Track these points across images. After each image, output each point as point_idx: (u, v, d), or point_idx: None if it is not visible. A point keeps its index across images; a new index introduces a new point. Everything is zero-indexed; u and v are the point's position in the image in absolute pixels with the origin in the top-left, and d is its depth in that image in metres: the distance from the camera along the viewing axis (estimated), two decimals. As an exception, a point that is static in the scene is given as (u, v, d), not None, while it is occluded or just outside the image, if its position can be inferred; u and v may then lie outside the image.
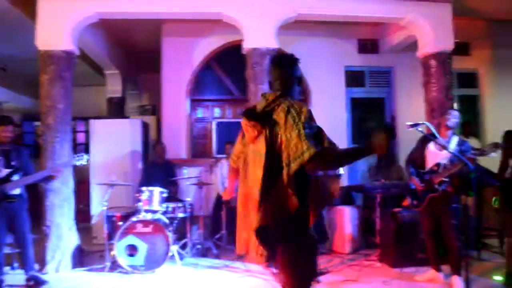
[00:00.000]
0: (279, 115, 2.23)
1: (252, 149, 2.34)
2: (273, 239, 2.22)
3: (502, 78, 7.98)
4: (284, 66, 2.45)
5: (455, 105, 7.76)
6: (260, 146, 2.26)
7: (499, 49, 8.07)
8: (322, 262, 5.20)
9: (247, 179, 2.36)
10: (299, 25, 6.42)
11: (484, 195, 5.48)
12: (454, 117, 4.25)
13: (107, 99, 8.96)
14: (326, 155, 2.15)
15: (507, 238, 4.27)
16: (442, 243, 4.37)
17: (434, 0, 5.94)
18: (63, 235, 5.04)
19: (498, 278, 4.34)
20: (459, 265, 4.04)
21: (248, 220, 2.32)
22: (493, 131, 4.32)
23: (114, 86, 8.87)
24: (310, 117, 2.22)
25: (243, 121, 2.32)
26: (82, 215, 6.81)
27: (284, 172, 2.17)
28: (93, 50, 7.28)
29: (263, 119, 2.27)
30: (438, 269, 4.44)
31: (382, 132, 2.09)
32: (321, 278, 4.52)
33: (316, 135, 2.18)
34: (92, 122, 6.91)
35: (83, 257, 5.30)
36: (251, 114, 2.31)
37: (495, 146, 3.58)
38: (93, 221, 6.39)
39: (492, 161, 4.48)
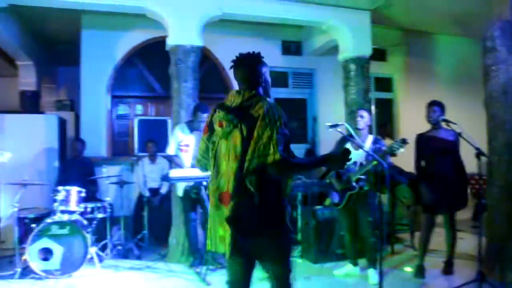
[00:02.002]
0: (257, 112, 2.27)
1: (225, 143, 2.34)
2: (246, 231, 2.27)
3: (414, 83, 8.57)
4: (245, 66, 2.47)
5: (372, 108, 8.21)
6: (235, 140, 2.29)
7: (412, 57, 8.67)
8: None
9: (220, 174, 2.36)
10: (224, 24, 6.43)
11: (397, 193, 5.83)
12: (361, 118, 4.44)
13: (20, 92, 8.33)
14: (288, 163, 2.24)
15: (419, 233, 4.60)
16: (359, 239, 4.60)
17: (354, 7, 6.21)
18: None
19: (408, 269, 4.65)
20: (375, 259, 4.27)
21: (222, 215, 2.33)
22: (406, 133, 4.63)
23: (27, 79, 8.27)
24: (284, 124, 2.28)
25: (218, 116, 2.34)
26: (-11, 218, 6.32)
27: (245, 165, 2.22)
28: (3, 38, 6.73)
29: (240, 113, 2.30)
30: (355, 263, 4.66)
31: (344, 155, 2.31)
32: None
33: (285, 142, 2.26)
34: (2, 116, 6.40)
35: (-11, 263, 4.91)
36: (228, 108, 2.33)
37: (403, 142, 3.83)
38: (2, 224, 5.93)
39: (405, 161, 4.78)
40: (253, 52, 2.51)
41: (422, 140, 4.46)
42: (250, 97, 2.36)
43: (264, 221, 2.27)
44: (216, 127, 2.37)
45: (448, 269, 4.54)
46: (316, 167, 2.35)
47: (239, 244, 2.28)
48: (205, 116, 4.73)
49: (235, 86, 7.54)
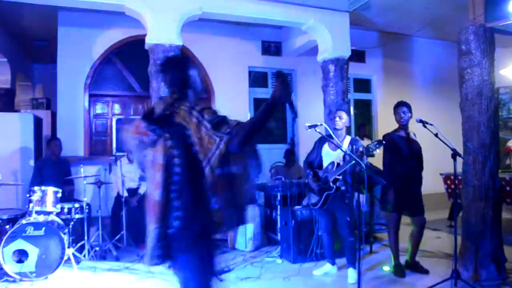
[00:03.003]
0: (184, 119, 2.21)
1: (151, 153, 2.27)
2: (176, 242, 2.24)
3: (391, 84, 8.70)
4: (173, 69, 2.42)
5: (351, 109, 8.30)
6: (159, 149, 2.22)
7: (390, 58, 8.79)
8: (225, 260, 5.25)
9: (149, 182, 2.32)
10: (204, 24, 6.41)
11: (375, 193, 5.90)
12: (340, 119, 4.47)
13: (-7, 89, 8.17)
14: (241, 130, 2.14)
15: (388, 233, 4.67)
16: (337, 238, 4.64)
17: (333, 8, 6.26)
18: None
19: (386, 268, 4.71)
20: (354, 258, 4.32)
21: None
22: (384, 133, 4.67)
23: (1, 76, 8.09)
24: (213, 112, 2.22)
25: (142, 126, 2.27)
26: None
27: (207, 171, 2.15)
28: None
29: (163, 122, 2.24)
30: (333, 263, 4.70)
31: (280, 80, 2.16)
32: (224, 276, 4.56)
33: (220, 121, 2.18)
34: (-26, 115, 6.27)
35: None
36: (151, 118, 2.27)
37: (379, 143, 3.88)
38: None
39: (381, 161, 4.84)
40: (179, 55, 2.50)
41: (394, 140, 4.50)
42: (172, 103, 2.30)
43: (198, 231, 2.22)
44: (143, 137, 2.31)
45: (420, 268, 4.61)
46: (268, 113, 2.23)
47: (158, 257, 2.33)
48: None
49: (215, 85, 7.54)
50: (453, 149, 3.93)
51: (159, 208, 2.22)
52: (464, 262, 4.31)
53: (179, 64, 2.47)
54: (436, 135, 4.03)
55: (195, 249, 2.25)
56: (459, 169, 4.24)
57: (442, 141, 3.94)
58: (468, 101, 4.42)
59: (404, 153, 4.45)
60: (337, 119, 4.46)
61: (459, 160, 4.10)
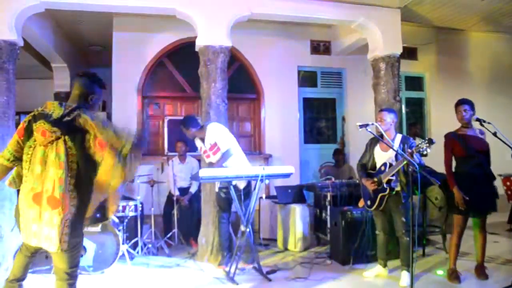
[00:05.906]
0: (84, 124, 2.57)
1: (42, 150, 2.55)
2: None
3: (446, 82, 8.38)
4: (84, 80, 2.84)
5: (403, 107, 8.09)
6: (59, 150, 2.52)
7: (444, 55, 8.49)
8: (274, 260, 5.26)
9: (34, 177, 2.55)
10: (253, 24, 6.45)
11: (428, 194, 5.70)
12: (382, 120, 4.31)
13: (54, 93, 8.58)
14: (138, 139, 2.65)
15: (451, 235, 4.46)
16: (392, 239, 4.52)
17: (384, 5, 6.12)
18: (4, 236, 4.76)
19: (440, 272, 4.53)
20: (408, 260, 4.17)
21: (40, 213, 2.51)
22: (437, 132, 4.50)
23: (61, 80, 8.51)
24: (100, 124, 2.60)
25: (41, 125, 2.55)
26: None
27: (116, 159, 2.54)
28: (39, 41, 6.94)
29: (63, 126, 2.57)
30: (385, 265, 4.59)
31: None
32: (273, 276, 4.57)
33: (118, 129, 2.63)
34: (38, 117, 6.59)
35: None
36: (51, 119, 2.58)
37: (429, 142, 3.74)
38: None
39: (435, 161, 4.68)
40: (91, 71, 2.91)
41: (456, 140, 4.31)
42: (72, 110, 2.64)
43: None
44: (38, 135, 2.57)
45: (482, 273, 4.38)
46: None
47: (68, 240, 2.54)
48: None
49: (264, 85, 7.53)
50: (513, 149, 3.73)
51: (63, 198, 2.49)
52: (526, 267, 4.09)
53: (89, 78, 2.88)
54: (494, 134, 3.83)
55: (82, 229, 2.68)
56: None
57: (502, 140, 3.75)
58: (530, 97, 4.18)
59: (468, 152, 4.23)
60: (378, 121, 4.32)
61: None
